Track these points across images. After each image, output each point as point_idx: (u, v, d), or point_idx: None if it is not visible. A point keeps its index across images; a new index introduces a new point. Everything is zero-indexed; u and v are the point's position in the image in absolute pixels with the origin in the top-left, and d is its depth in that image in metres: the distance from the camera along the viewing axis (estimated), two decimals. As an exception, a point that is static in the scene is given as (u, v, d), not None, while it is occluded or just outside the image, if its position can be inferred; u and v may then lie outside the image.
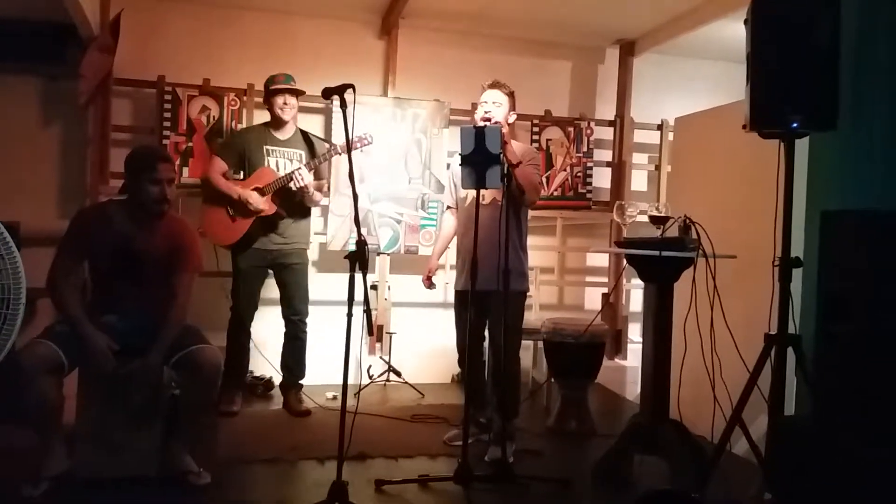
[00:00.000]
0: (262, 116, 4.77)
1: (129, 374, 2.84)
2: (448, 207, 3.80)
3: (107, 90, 4.53)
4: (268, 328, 4.39)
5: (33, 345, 2.75)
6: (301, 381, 4.27)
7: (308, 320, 4.26)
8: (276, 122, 4.14)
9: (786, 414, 2.71)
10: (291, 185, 3.98)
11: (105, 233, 2.99)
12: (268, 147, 4.12)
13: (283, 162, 4.13)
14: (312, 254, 4.90)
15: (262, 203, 3.99)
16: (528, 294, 3.63)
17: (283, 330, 4.26)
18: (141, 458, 2.94)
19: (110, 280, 3.02)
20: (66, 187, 4.70)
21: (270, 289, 4.29)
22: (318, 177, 4.15)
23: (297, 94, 4.14)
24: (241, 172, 4.15)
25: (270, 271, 4.21)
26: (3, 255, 2.54)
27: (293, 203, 4.11)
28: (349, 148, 2.85)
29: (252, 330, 4.26)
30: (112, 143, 4.60)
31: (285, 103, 4.08)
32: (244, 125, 4.71)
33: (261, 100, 4.77)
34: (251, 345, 4.28)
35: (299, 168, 4.01)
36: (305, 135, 4.27)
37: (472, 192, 3.22)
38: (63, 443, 2.85)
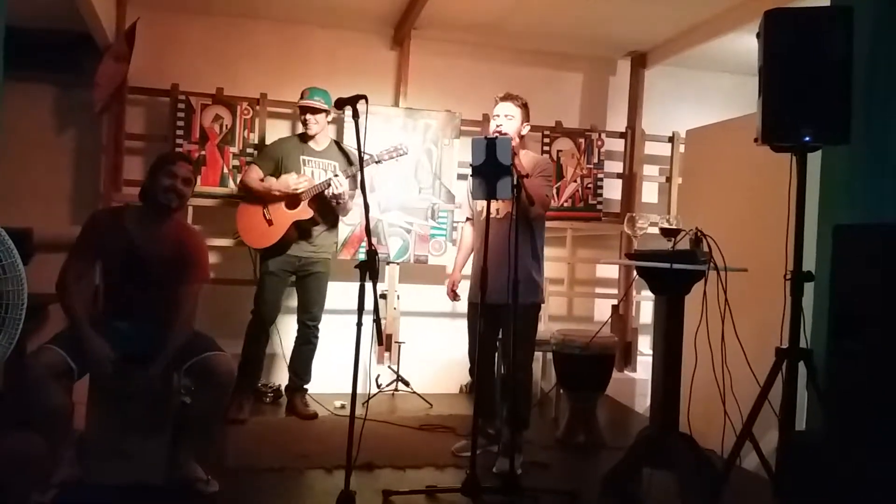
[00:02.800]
0: (273, 125, 4.83)
1: (136, 380, 2.85)
2: (467, 219, 3.81)
3: (121, 98, 4.58)
4: (287, 335, 4.42)
5: (41, 351, 2.76)
6: (306, 386, 4.34)
7: (320, 326, 4.32)
8: (308, 135, 4.24)
9: (797, 429, 2.69)
10: (328, 192, 4.06)
11: (117, 237, 3.01)
12: (304, 157, 4.22)
13: (319, 172, 4.21)
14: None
15: (302, 182, 4.06)
16: (541, 305, 3.63)
17: (296, 334, 4.32)
18: (149, 465, 2.95)
19: (120, 285, 3.04)
20: (79, 194, 4.74)
21: (290, 296, 4.33)
22: (352, 186, 4.20)
23: (319, 111, 4.18)
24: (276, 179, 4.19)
25: (293, 277, 4.27)
26: (1, 262, 2.55)
27: (327, 211, 4.19)
28: (360, 159, 2.87)
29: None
30: (126, 151, 4.64)
31: (306, 120, 4.18)
32: (256, 134, 4.75)
33: (274, 109, 4.86)
34: (268, 350, 4.32)
35: (336, 176, 4.07)
36: (340, 146, 4.38)
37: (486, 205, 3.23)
38: (72, 449, 2.86)
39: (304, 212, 4.10)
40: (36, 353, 2.77)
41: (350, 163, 4.27)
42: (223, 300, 4.59)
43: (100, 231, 3.03)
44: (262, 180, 4.15)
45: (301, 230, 4.15)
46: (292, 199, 4.09)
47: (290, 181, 4.07)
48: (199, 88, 4.71)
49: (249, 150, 4.71)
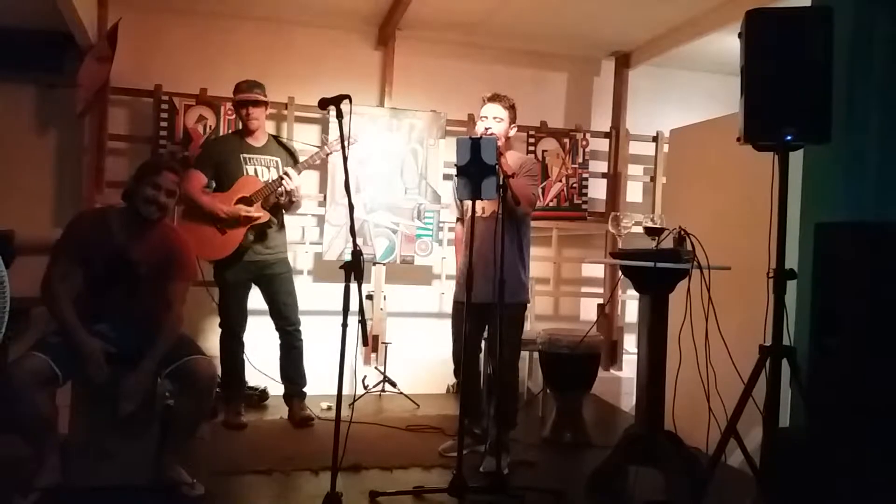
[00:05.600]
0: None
1: (122, 383, 2.83)
2: (458, 219, 3.81)
3: (104, 99, 4.53)
4: (258, 338, 4.36)
5: (25, 358, 2.73)
6: (304, 390, 4.23)
7: (302, 328, 4.23)
8: (247, 130, 4.09)
9: (780, 425, 2.72)
10: (281, 189, 3.94)
11: (101, 239, 2.98)
12: (244, 155, 4.05)
13: (261, 169, 4.07)
14: (307, 263, 4.90)
15: (255, 211, 3.95)
16: (527, 306, 3.64)
17: (278, 341, 4.21)
18: (133, 468, 2.93)
19: (103, 288, 3.00)
20: (61, 196, 4.69)
21: (257, 299, 4.23)
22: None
23: (261, 104, 4.05)
24: (216, 183, 4.05)
25: (252, 282, 4.16)
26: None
27: (277, 210, 4.08)
28: (345, 158, 2.87)
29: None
30: (108, 152, 4.60)
31: (248, 114, 4.03)
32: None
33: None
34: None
35: (286, 172, 3.96)
36: (279, 140, 4.25)
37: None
38: (56, 455, 2.82)
39: (263, 214, 3.97)
40: (20, 360, 2.73)
41: (292, 157, 4.17)
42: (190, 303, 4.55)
43: (84, 231, 3.00)
44: (205, 188, 3.99)
45: (257, 234, 4.00)
46: (244, 202, 3.95)
47: (244, 212, 3.90)
48: (182, 89, 4.68)
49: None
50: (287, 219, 4.30)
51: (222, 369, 4.07)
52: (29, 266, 3.21)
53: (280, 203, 4.02)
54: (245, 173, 4.02)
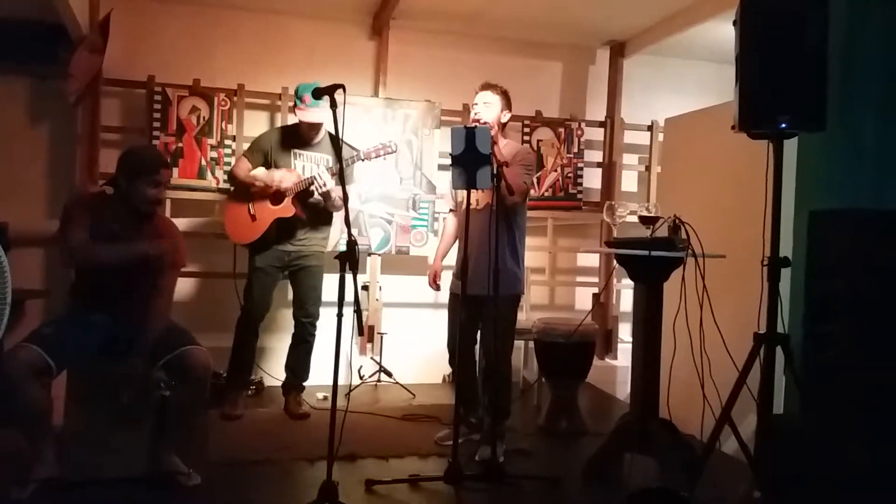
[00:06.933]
0: (251, 117, 4.78)
1: (116, 373, 2.83)
2: (450, 210, 3.81)
3: (96, 90, 4.51)
4: (272, 332, 4.36)
5: (18, 349, 2.73)
6: (304, 384, 4.24)
7: (318, 323, 4.21)
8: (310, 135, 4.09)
9: (774, 412, 2.73)
10: (313, 188, 3.93)
11: (97, 224, 2.97)
12: (295, 150, 4.07)
13: (311, 166, 4.07)
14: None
15: (286, 180, 3.91)
16: (521, 296, 3.64)
17: (292, 332, 4.21)
18: (130, 458, 2.93)
19: (98, 276, 3.00)
20: (55, 188, 4.67)
21: (279, 293, 4.23)
22: (339, 182, 4.08)
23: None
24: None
25: (285, 272, 4.16)
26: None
27: (314, 208, 4.06)
28: (339, 150, 2.86)
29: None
30: (101, 144, 4.58)
31: (310, 129, 4.04)
32: (234, 126, 4.70)
33: (252, 100, 4.80)
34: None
35: (320, 173, 3.94)
36: (334, 138, 4.23)
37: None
38: (52, 446, 2.83)
39: (287, 209, 3.95)
40: (13, 351, 2.74)
41: (339, 157, 4.17)
42: (208, 294, 4.57)
43: (85, 212, 2.99)
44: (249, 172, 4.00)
45: (284, 227, 4.01)
46: (277, 196, 3.97)
47: (276, 176, 3.94)
48: (175, 80, 4.65)
49: (227, 142, 4.67)
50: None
51: (232, 353, 4.08)
52: (23, 258, 3.21)
53: (316, 202, 4.02)
54: (292, 167, 4.03)
